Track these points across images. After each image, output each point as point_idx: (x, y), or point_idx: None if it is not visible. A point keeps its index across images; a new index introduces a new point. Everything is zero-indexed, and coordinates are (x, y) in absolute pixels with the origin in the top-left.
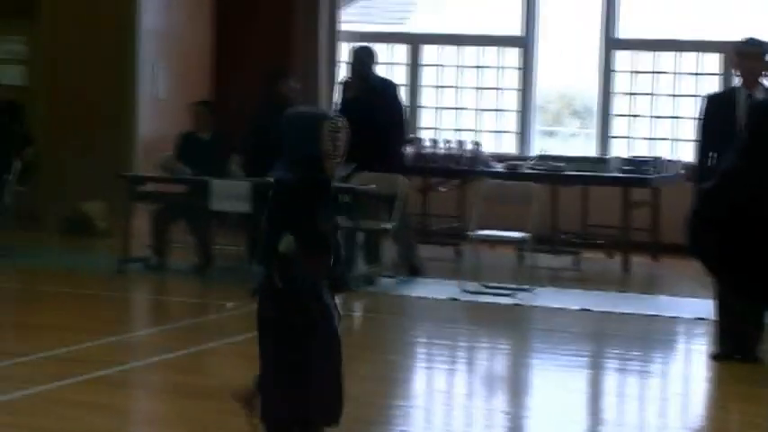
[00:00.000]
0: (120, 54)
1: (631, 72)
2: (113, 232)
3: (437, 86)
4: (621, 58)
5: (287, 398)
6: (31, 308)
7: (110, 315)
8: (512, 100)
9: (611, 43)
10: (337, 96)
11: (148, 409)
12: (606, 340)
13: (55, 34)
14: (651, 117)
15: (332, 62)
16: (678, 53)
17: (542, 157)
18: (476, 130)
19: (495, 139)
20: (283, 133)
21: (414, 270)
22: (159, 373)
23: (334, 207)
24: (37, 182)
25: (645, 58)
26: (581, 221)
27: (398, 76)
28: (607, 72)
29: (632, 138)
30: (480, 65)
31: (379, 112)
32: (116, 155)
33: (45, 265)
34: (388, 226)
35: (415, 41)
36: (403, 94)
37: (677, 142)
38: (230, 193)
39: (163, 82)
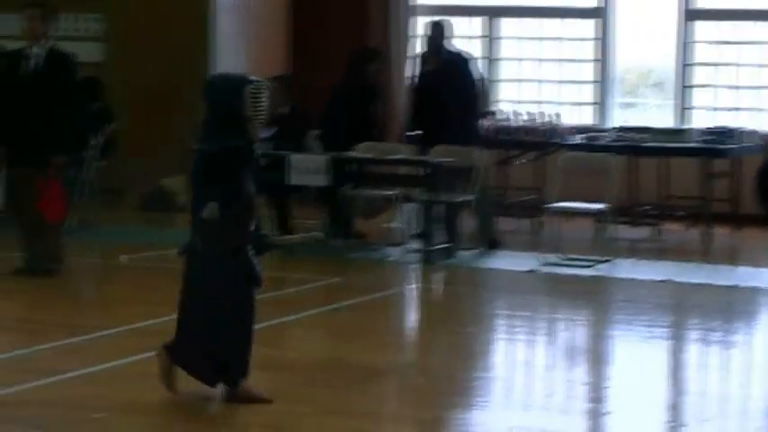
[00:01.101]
0: (197, 30)
1: (709, 42)
2: None
3: (515, 59)
4: (700, 29)
5: (207, 353)
6: (113, 282)
7: None
8: (590, 72)
9: (690, 13)
10: (412, 70)
11: None
12: (686, 311)
13: (131, 10)
14: (730, 87)
15: (407, 36)
16: (756, 22)
17: (621, 129)
18: (554, 103)
19: (574, 111)
20: (206, 98)
21: (492, 243)
22: None
23: (256, 170)
24: (117, 158)
25: (723, 28)
26: (660, 193)
27: (476, 49)
28: (685, 43)
29: (711, 109)
30: (558, 37)
31: (454, 86)
32: (194, 130)
33: (126, 239)
34: (467, 199)
35: (493, 14)
36: (480, 68)
37: (758, 112)
38: (308, 167)
39: (239, 57)
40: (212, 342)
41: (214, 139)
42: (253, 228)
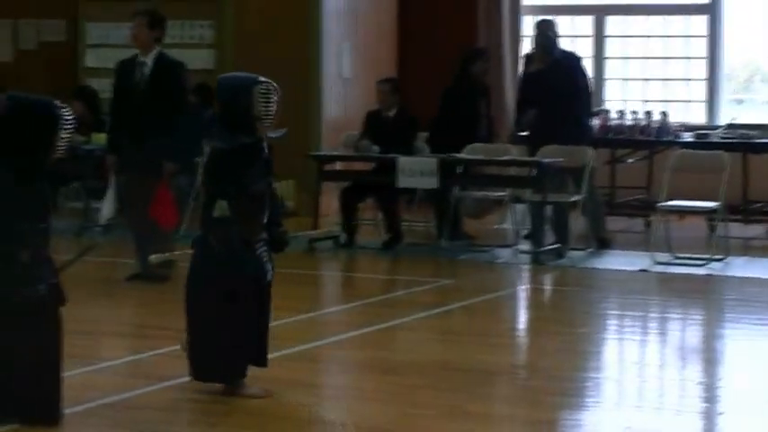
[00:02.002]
0: (305, 34)
1: None
2: (302, 211)
3: (623, 57)
4: None
5: (221, 350)
6: None
7: (300, 293)
8: (699, 69)
9: None
10: (521, 70)
11: (341, 385)
12: None
13: (241, 17)
14: None
15: (516, 36)
16: None
17: (732, 126)
18: (663, 101)
19: (683, 108)
20: (217, 97)
21: (602, 242)
22: (350, 349)
23: (268, 169)
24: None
25: None
26: None
27: (583, 48)
28: None
29: None
30: (666, 34)
31: (563, 85)
32: (303, 134)
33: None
34: (576, 199)
35: (600, 12)
36: (588, 66)
37: None
38: (417, 170)
39: (348, 61)
40: (223, 340)
41: (224, 137)
42: (268, 223)
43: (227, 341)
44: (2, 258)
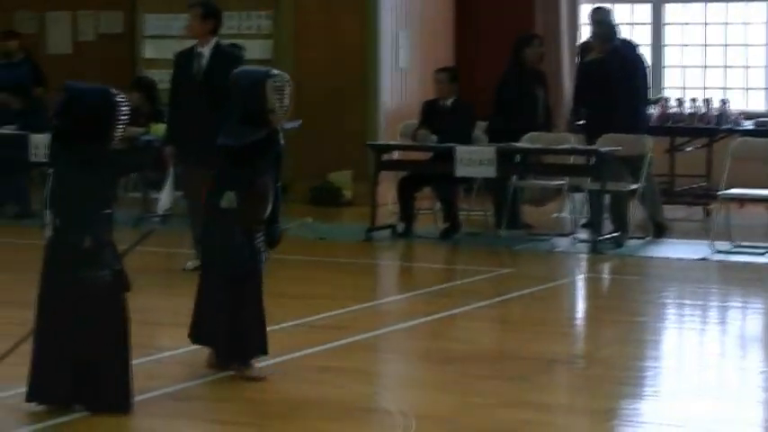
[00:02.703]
0: (362, 24)
1: None
2: (360, 201)
3: (681, 45)
4: None
5: (225, 332)
6: (282, 277)
7: (358, 282)
8: (759, 56)
9: None
10: (578, 58)
11: (401, 374)
12: None
13: (299, 7)
14: None
15: (573, 25)
16: None
17: None
18: (722, 88)
19: (743, 96)
20: (231, 92)
21: (660, 230)
22: (409, 339)
23: (278, 162)
24: (286, 153)
25: None
26: None
27: (641, 35)
28: None
29: None
30: (726, 21)
31: (622, 73)
32: (361, 124)
33: (294, 234)
34: (635, 187)
35: (658, 0)
36: (646, 54)
37: None
38: (475, 159)
39: (404, 51)
40: (225, 325)
41: (237, 134)
42: (267, 218)
43: (228, 326)
44: (67, 245)
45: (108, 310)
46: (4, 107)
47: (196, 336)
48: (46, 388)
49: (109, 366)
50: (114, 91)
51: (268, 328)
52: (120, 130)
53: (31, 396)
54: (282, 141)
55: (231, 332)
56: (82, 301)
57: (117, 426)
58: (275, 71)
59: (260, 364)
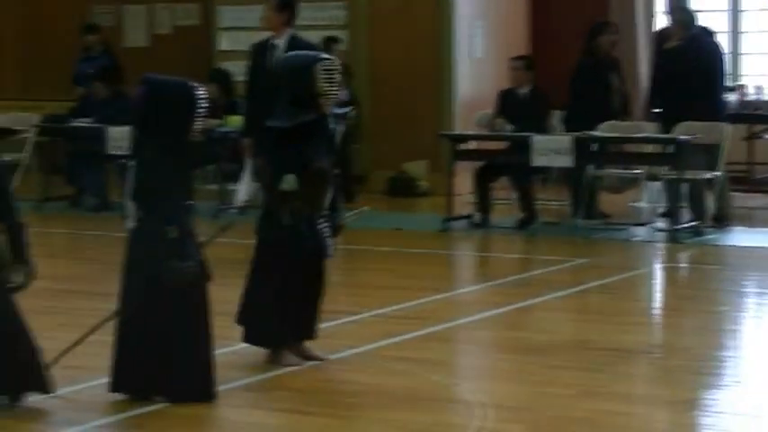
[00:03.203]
0: (437, 14)
1: None
2: (436, 191)
3: (760, 31)
4: None
5: (269, 317)
6: (359, 268)
7: (435, 273)
8: None
9: None
10: (655, 46)
11: (477, 365)
12: None
13: None
14: None
15: (649, 13)
16: None
17: None
18: None
19: None
20: (280, 76)
21: (722, 219)
22: (486, 329)
23: (330, 146)
24: (362, 143)
25: None
26: None
27: (718, 22)
28: None
29: None
30: None
31: (701, 61)
32: (436, 114)
33: (371, 225)
34: (713, 176)
35: None
36: (723, 41)
37: None
38: (551, 148)
39: (480, 40)
40: (272, 308)
41: (287, 115)
42: (330, 206)
43: (274, 310)
44: (152, 235)
45: (191, 300)
46: (87, 97)
47: (241, 320)
48: (129, 378)
49: (192, 356)
50: (193, 84)
51: (346, 319)
52: (199, 123)
53: (114, 386)
54: (335, 126)
55: (277, 316)
56: (165, 292)
57: (196, 416)
58: (324, 55)
59: (341, 354)
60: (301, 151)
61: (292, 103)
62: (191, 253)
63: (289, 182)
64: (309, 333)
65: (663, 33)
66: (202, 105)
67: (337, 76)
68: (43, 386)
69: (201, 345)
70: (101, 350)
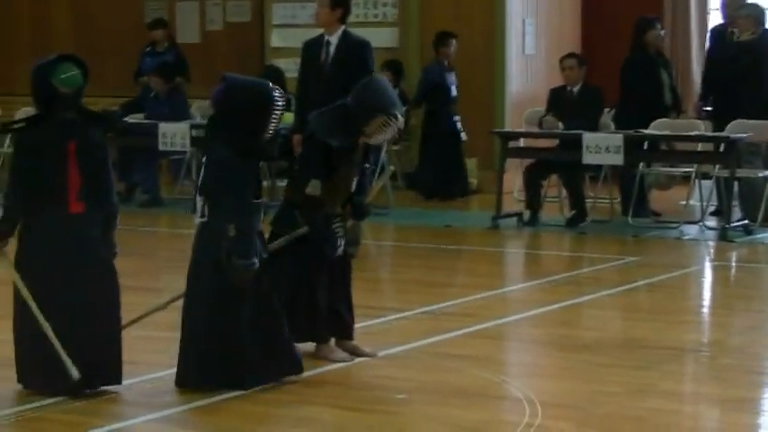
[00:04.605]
0: (488, 11)
1: None
2: (486, 188)
3: None
4: None
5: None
6: (408, 264)
7: (485, 270)
8: None
9: None
10: (708, 44)
11: (527, 362)
12: None
13: None
14: None
15: (702, 9)
16: None
17: None
18: None
19: None
20: (359, 89)
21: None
22: (536, 327)
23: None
24: (412, 141)
25: None
26: None
27: None
28: None
29: None
30: None
31: (756, 59)
32: (487, 111)
33: (420, 222)
34: (766, 174)
35: None
36: None
37: None
38: (602, 146)
39: (531, 37)
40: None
41: (329, 126)
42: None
43: (305, 308)
44: (214, 231)
45: (254, 295)
46: (143, 92)
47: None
48: (190, 372)
49: (250, 349)
50: (271, 85)
51: (395, 316)
52: (273, 124)
53: (179, 379)
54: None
55: (305, 312)
56: (224, 288)
57: (245, 412)
58: (399, 113)
59: (390, 351)
60: (331, 160)
61: (341, 120)
62: (255, 251)
63: (314, 186)
64: (345, 332)
65: (719, 30)
66: (279, 107)
67: (390, 135)
68: (117, 376)
69: (257, 340)
70: (170, 345)
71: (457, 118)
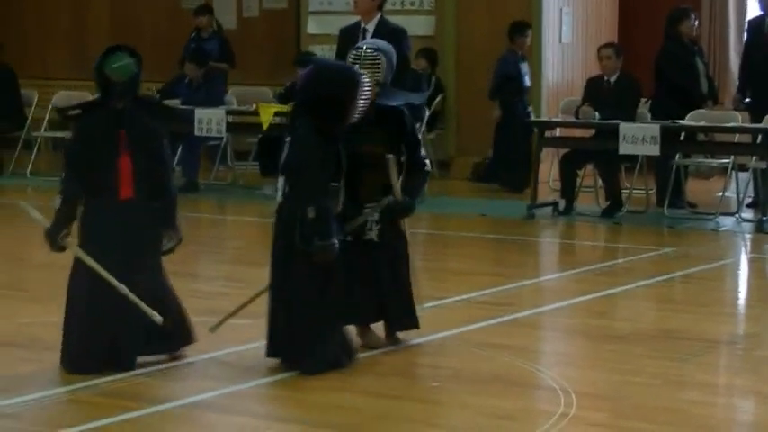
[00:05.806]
0: (525, 1)
1: None
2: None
3: None
4: None
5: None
6: (444, 253)
7: (520, 259)
8: None
9: None
10: (747, 35)
11: (562, 351)
12: None
13: None
14: None
15: (741, 1)
16: None
17: None
18: None
19: None
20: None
21: None
22: (571, 316)
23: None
24: (448, 129)
25: None
26: None
27: None
28: None
29: None
30: None
31: None
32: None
33: (456, 211)
34: None
35: None
36: None
37: None
38: (639, 137)
39: (568, 27)
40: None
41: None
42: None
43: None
44: (293, 213)
45: (329, 276)
46: (179, 78)
47: None
48: (278, 345)
49: (319, 330)
50: (358, 71)
51: (431, 304)
52: (359, 109)
53: (268, 351)
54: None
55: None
56: (303, 268)
57: (281, 397)
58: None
59: (425, 339)
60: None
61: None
62: (333, 231)
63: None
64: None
65: (756, 21)
66: (365, 93)
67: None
68: (189, 339)
69: (336, 317)
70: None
71: (530, 108)
